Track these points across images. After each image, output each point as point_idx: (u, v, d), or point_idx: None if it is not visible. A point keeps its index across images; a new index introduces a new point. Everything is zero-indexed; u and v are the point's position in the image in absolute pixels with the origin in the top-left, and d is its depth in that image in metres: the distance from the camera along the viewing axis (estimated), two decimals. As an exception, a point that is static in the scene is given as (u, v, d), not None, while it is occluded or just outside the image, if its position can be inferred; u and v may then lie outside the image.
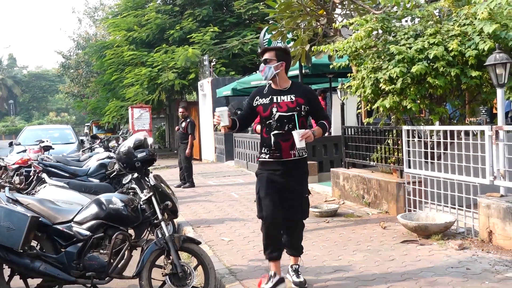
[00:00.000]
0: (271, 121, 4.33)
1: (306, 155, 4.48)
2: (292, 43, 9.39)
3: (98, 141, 12.19)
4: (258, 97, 4.45)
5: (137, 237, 4.68)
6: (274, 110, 4.30)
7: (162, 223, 4.50)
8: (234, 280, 4.71)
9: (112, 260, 4.45)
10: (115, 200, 4.61)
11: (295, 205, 4.42)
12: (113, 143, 11.28)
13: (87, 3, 71.00)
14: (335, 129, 10.97)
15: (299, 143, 4.11)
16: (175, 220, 6.65)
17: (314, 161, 10.51)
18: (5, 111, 67.56)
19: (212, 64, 19.26)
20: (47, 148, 10.96)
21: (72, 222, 4.62)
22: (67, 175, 8.45)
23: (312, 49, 8.43)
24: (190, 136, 11.58)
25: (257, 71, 16.97)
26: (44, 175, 7.39)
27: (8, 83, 68.65)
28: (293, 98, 4.31)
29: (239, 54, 20.20)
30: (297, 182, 4.43)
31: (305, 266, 4.98)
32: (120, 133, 14.80)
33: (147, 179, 4.75)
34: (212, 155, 18.06)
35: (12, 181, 10.36)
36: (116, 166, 7.69)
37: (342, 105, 9.79)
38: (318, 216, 7.22)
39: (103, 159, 8.89)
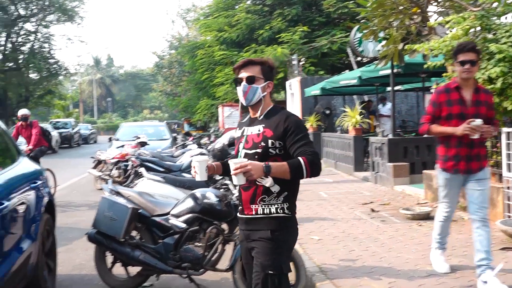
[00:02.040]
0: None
1: (284, 213, 2.92)
2: (384, 42, 9.24)
3: (190, 138, 12.61)
4: (238, 128, 3.23)
5: (230, 231, 4.81)
6: (241, 146, 3.03)
7: (255, 219, 4.59)
8: (324, 278, 4.72)
9: (206, 253, 4.61)
10: (210, 195, 4.77)
11: (256, 284, 2.91)
12: (205, 140, 11.62)
13: (180, 5, 73.23)
14: (428, 130, 10.64)
15: (236, 178, 2.72)
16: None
17: (406, 162, 10.26)
18: (104, 108, 71.29)
19: (301, 63, 19.29)
20: (143, 144, 11.47)
21: (169, 215, 4.84)
22: (162, 170, 8.82)
23: (405, 48, 8.25)
24: None
25: (347, 71, 16.85)
26: (142, 169, 7.73)
27: (107, 82, 72.41)
28: (261, 129, 2.95)
29: (328, 53, 20.09)
30: (260, 251, 2.90)
31: (397, 268, 4.90)
32: (212, 131, 15.19)
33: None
34: (299, 154, 18.09)
35: (111, 174, 10.95)
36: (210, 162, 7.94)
37: (436, 105, 9.47)
38: (410, 219, 7.06)
39: (196, 155, 9.19)
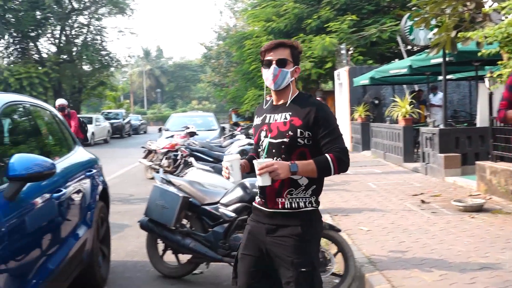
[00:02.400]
0: (260, 150, 2.86)
1: (312, 207, 2.77)
2: (435, 29, 9.02)
3: (239, 128, 12.70)
4: (256, 115, 3.00)
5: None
6: (263, 134, 2.82)
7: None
8: (374, 269, 4.69)
9: (255, 242, 4.65)
10: (259, 184, 4.80)
11: (288, 282, 2.72)
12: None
13: (227, -5, 73.52)
14: (482, 121, 10.35)
15: (260, 179, 2.60)
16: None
17: (457, 153, 10.02)
18: (153, 99, 72.61)
19: (349, 52, 19.05)
20: (192, 134, 11.64)
21: (218, 204, 4.91)
22: (211, 159, 8.94)
23: (458, 36, 8.04)
24: None
25: (396, 60, 16.52)
26: (192, 159, 7.87)
27: (156, 73, 73.64)
28: (287, 117, 2.77)
29: (377, 42, 19.74)
30: (290, 249, 2.71)
31: (449, 261, 4.82)
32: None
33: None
34: (348, 145, 17.91)
35: (161, 164, 11.17)
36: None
37: (490, 94, 9.21)
38: (462, 211, 6.90)
39: (244, 145, 9.27)
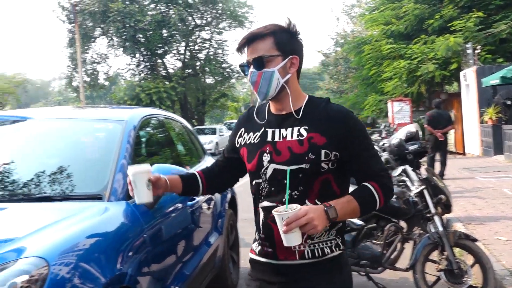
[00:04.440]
0: (259, 180, 2.07)
1: (339, 251, 2.05)
2: None
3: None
4: (243, 128, 2.20)
5: (409, 230, 4.66)
6: (266, 159, 2.04)
7: (436, 217, 4.40)
8: (516, 283, 4.36)
9: (385, 251, 4.52)
10: (388, 192, 4.67)
11: None
12: (375, 136, 11.43)
13: (344, 1, 72.98)
14: None
15: (287, 239, 1.81)
16: (443, 216, 6.46)
17: None
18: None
19: (476, 52, 18.01)
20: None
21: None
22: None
23: None
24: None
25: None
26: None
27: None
28: (304, 133, 2.00)
29: (508, 39, 18.48)
30: None
31: None
32: (383, 127, 14.91)
33: (418, 172, 4.71)
34: (477, 149, 16.93)
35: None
36: (383, 159, 7.80)
37: None
38: None
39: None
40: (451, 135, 17.90)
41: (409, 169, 4.73)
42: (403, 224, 4.67)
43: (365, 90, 27.31)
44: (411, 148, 4.77)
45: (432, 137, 10.99)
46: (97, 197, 2.93)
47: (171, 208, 3.53)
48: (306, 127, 2.00)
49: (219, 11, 35.90)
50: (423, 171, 4.68)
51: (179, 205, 3.68)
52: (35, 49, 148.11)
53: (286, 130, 2.03)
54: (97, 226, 2.66)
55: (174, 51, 37.07)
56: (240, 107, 50.56)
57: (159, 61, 36.21)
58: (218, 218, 4.64)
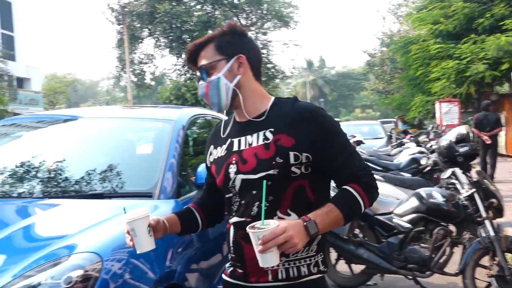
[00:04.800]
0: (230, 194, 1.92)
1: (319, 273, 1.87)
2: None
3: (407, 136, 12.31)
4: (212, 145, 2.06)
5: (458, 234, 4.56)
6: (232, 170, 1.88)
7: (487, 222, 4.30)
8: None
9: (433, 255, 4.43)
10: (436, 194, 4.58)
11: None
12: (423, 138, 11.23)
13: (390, 1, 71.97)
14: None
15: (264, 259, 1.62)
16: (494, 220, 6.28)
17: None
18: (317, 109, 73.49)
19: (530, 51, 17.42)
20: (359, 143, 11.52)
21: (392, 214, 4.78)
22: (380, 168, 8.76)
23: None
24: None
25: None
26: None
27: (319, 83, 74.48)
28: (269, 136, 1.84)
29: None
30: None
31: None
32: (430, 128, 14.65)
33: (469, 175, 4.61)
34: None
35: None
36: (430, 161, 7.66)
37: None
38: None
39: (414, 154, 8.94)
40: (502, 137, 17.38)
41: (459, 171, 4.63)
42: (452, 228, 4.57)
43: (412, 91, 26.83)
44: (461, 150, 4.67)
45: (480, 139, 10.76)
46: (147, 195, 2.99)
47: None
48: (272, 129, 1.83)
49: (264, 12, 35.98)
50: (473, 174, 4.56)
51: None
52: (85, 50, 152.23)
53: (252, 136, 1.86)
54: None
55: (219, 52, 37.40)
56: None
57: (204, 61, 36.60)
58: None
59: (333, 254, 5.11)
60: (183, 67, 36.37)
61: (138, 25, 33.90)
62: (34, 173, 3.33)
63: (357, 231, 5.00)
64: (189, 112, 3.93)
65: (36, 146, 3.66)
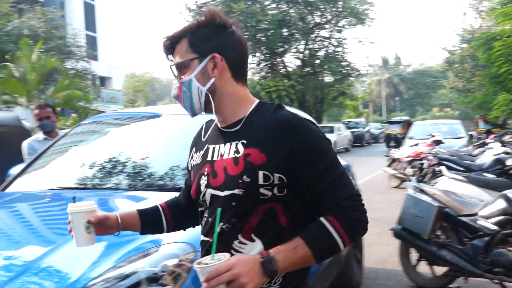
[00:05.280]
0: (202, 209, 1.71)
1: None
2: None
3: (491, 136, 11.85)
4: (195, 147, 1.83)
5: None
6: (203, 182, 1.66)
7: None
8: None
9: (522, 259, 4.26)
10: (526, 196, 4.39)
11: None
12: (508, 138, 10.77)
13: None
14: None
15: None
16: None
17: None
18: (392, 107, 71.94)
19: None
20: (438, 142, 11.21)
21: (477, 216, 4.62)
22: (461, 169, 8.48)
23: None
24: None
25: None
26: (442, 168, 7.56)
27: (395, 81, 72.86)
28: (242, 149, 1.58)
29: None
30: None
31: None
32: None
33: None
34: None
35: (405, 172, 10.99)
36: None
37: None
38: None
39: (499, 154, 8.58)
40: None
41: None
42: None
43: (494, 89, 25.67)
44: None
45: None
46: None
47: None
48: (244, 141, 1.57)
49: (339, 9, 35.60)
50: None
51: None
52: (162, 50, 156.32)
53: (225, 146, 1.62)
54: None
55: (294, 50, 37.39)
56: (358, 106, 49.92)
57: (278, 59, 36.73)
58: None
59: (414, 255, 5.01)
60: (258, 65, 36.68)
61: (214, 25, 34.50)
62: (121, 167, 3.49)
63: (439, 232, 4.88)
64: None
65: (123, 142, 3.83)
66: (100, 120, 4.43)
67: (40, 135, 5.21)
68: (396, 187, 12.05)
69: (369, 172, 15.69)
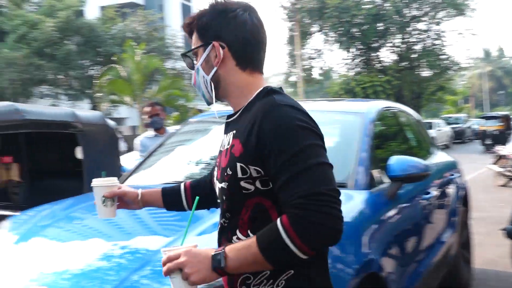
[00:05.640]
0: (219, 200, 1.64)
1: None
2: None
3: None
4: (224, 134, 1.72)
5: None
6: (215, 173, 1.65)
7: None
8: None
9: None
10: None
11: None
12: None
13: None
14: None
15: (172, 284, 1.39)
16: None
17: None
18: (495, 102, 68.27)
19: None
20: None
21: None
22: None
23: None
24: None
25: None
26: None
27: (497, 74, 69.09)
28: (231, 140, 1.53)
29: None
30: None
31: None
32: None
33: None
34: None
35: (513, 170, 10.42)
36: None
37: None
38: None
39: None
40: None
41: None
42: None
43: None
44: None
45: None
46: (342, 185, 3.05)
47: (410, 200, 3.52)
48: (234, 131, 1.51)
49: (438, 0, 34.27)
50: None
51: (417, 198, 3.66)
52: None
53: (226, 136, 1.57)
54: (346, 212, 2.79)
55: (389, 44, 36.50)
56: (458, 101, 47.83)
57: (373, 54, 36.00)
58: (452, 214, 4.50)
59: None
60: (352, 61, 36.21)
61: (308, 21, 34.45)
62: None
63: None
64: (377, 105, 3.94)
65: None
66: (207, 119, 4.55)
67: (150, 132, 5.50)
68: (503, 185, 11.45)
69: (473, 170, 15.01)
